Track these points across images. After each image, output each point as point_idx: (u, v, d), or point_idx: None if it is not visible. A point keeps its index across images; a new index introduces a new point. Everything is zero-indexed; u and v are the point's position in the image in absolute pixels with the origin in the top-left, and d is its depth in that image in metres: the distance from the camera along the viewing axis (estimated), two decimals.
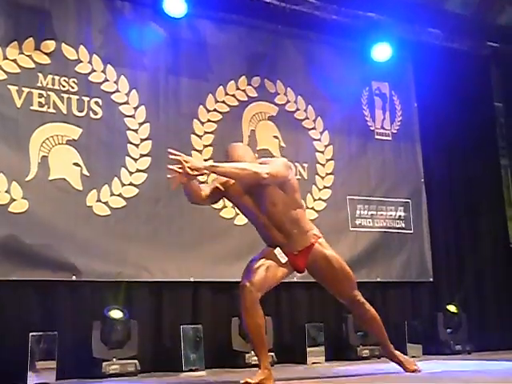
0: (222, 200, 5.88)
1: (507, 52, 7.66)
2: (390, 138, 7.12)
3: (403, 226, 6.96)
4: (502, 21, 8.00)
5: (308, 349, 5.85)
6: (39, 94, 5.37)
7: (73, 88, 5.53)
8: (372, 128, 7.04)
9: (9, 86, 5.26)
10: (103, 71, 5.70)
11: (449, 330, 6.61)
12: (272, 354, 5.34)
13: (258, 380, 3.63)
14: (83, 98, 5.56)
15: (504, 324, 7.22)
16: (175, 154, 3.84)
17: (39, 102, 5.36)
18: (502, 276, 7.44)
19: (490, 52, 7.65)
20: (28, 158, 5.25)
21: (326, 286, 4.25)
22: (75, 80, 5.55)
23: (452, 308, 6.71)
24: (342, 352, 6.13)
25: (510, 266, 7.53)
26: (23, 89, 5.32)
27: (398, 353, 4.26)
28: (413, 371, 4.12)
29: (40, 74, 5.41)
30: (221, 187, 4.12)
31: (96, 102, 5.61)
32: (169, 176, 3.84)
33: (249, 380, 3.61)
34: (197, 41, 6.20)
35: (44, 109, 5.38)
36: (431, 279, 6.99)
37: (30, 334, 4.74)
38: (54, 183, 5.32)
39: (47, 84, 5.42)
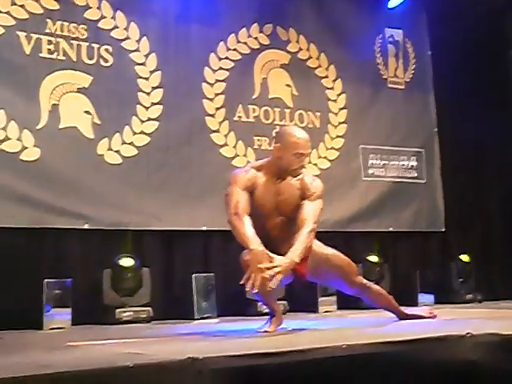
0: (233, 149, 5.99)
1: None
2: (403, 87, 7.02)
3: (416, 175, 6.92)
4: None
5: (320, 298, 5.87)
6: (48, 40, 5.30)
7: (82, 35, 5.46)
8: (385, 76, 6.94)
9: (17, 32, 5.19)
10: (113, 17, 5.61)
11: (460, 279, 6.62)
12: (284, 302, 5.36)
13: (275, 327, 3.63)
14: (93, 45, 5.48)
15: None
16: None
17: (48, 49, 5.30)
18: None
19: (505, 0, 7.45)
20: (38, 106, 5.21)
21: (332, 285, 4.18)
22: (84, 26, 5.47)
23: (464, 257, 6.70)
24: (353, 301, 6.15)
25: None
26: (32, 35, 5.24)
27: (411, 311, 4.23)
28: (430, 317, 4.13)
29: (49, 20, 5.33)
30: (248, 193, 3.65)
31: (106, 50, 5.54)
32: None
33: (267, 329, 3.60)
34: None
35: (53, 56, 5.31)
36: (443, 229, 6.97)
37: (45, 280, 4.78)
38: (65, 131, 5.29)
39: (56, 30, 5.34)
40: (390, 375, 2.55)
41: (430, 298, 6.37)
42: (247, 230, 3.49)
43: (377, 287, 4.15)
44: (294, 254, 3.41)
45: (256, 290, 3.38)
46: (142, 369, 2.18)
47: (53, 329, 4.67)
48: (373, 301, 4.14)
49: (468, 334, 2.78)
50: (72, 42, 5.41)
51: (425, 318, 4.11)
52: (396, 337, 2.78)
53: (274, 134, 3.88)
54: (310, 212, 3.61)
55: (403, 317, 4.11)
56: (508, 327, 3.03)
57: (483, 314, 4.72)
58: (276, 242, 3.64)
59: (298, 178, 3.70)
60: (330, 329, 3.84)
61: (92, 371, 2.15)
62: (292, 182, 3.72)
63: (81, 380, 2.10)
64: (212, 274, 5.53)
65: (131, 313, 5.01)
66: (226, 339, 3.32)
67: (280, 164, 3.63)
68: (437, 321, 4.04)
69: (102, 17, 5.57)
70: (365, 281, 4.03)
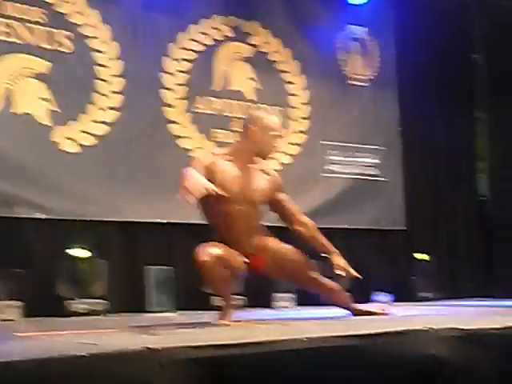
0: (192, 141, 5.89)
1: (487, 0, 7.55)
2: (367, 85, 7.00)
3: (378, 173, 6.91)
4: None
5: (278, 294, 5.82)
6: (5, 23, 5.14)
7: (42, 19, 5.30)
8: (348, 73, 6.92)
9: None
10: (74, 3, 5.46)
11: (419, 278, 6.64)
12: (242, 297, 5.30)
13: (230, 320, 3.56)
14: (51, 29, 5.34)
15: (473, 273, 7.30)
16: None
17: (5, 32, 5.14)
18: (473, 227, 7.48)
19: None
20: None
21: (289, 280, 4.20)
22: (44, 11, 5.32)
23: (423, 256, 6.73)
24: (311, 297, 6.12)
25: (481, 218, 7.58)
26: None
27: (364, 307, 4.20)
28: (384, 314, 4.11)
29: (6, 2, 5.16)
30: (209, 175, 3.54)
31: (65, 35, 5.40)
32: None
33: (224, 322, 3.53)
34: None
35: (10, 39, 5.15)
36: (405, 227, 6.99)
37: None
38: (20, 117, 5.13)
39: (13, 13, 5.17)
40: (351, 369, 2.50)
41: (388, 296, 6.38)
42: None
43: (332, 283, 4.11)
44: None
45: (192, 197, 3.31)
46: (96, 359, 2.08)
47: (2, 320, 4.52)
48: (328, 297, 4.11)
49: (429, 328, 2.75)
50: (30, 25, 5.26)
51: (377, 314, 4.08)
52: (357, 330, 2.74)
53: (245, 121, 3.80)
54: (295, 206, 3.85)
55: (357, 313, 4.08)
56: (468, 322, 3.02)
57: (442, 311, 4.73)
58: (238, 230, 3.64)
59: (263, 167, 3.73)
60: (288, 322, 3.78)
61: (38, 361, 2.03)
62: (260, 170, 3.74)
63: (26, 370, 1.99)
64: (171, 268, 5.44)
65: (86, 305, 4.90)
66: (184, 331, 3.24)
67: (256, 147, 3.65)
68: (396, 317, 4.02)
69: (63, 2, 5.42)
70: (320, 277, 3.99)
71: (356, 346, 2.56)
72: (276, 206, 3.88)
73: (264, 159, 3.76)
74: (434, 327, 2.75)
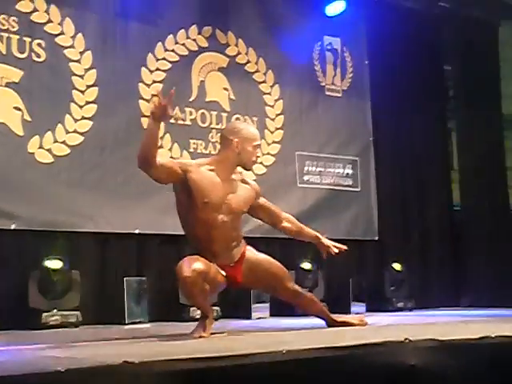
0: (169, 151, 5.86)
1: (457, 13, 7.65)
2: (340, 95, 7.05)
3: (351, 183, 6.95)
4: None
5: (253, 305, 5.81)
6: None
7: (13, 27, 5.25)
8: (323, 84, 6.96)
9: None
10: (46, 11, 5.42)
11: (392, 288, 6.69)
12: (217, 308, 5.28)
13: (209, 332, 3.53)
14: (24, 38, 5.28)
15: (445, 283, 7.37)
16: None
17: None
18: (445, 236, 7.56)
19: (441, 12, 7.63)
20: None
21: (266, 290, 4.23)
22: (15, 19, 5.26)
23: (396, 266, 6.77)
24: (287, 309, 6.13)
25: (452, 228, 7.66)
26: None
27: (341, 317, 4.19)
28: (361, 325, 4.11)
29: None
30: (180, 173, 3.57)
31: (39, 44, 5.35)
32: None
33: (203, 334, 3.50)
34: None
35: None
36: (376, 238, 7.03)
37: None
38: None
39: None
40: (330, 380, 2.50)
41: (363, 306, 6.41)
42: None
43: (309, 294, 4.12)
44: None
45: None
46: (75, 374, 2.05)
47: None
48: (304, 307, 4.11)
49: (406, 339, 2.76)
50: (2, 34, 5.20)
51: (355, 325, 4.09)
52: (334, 342, 2.74)
53: (224, 132, 3.82)
54: (275, 207, 4.02)
55: (334, 324, 4.08)
56: (444, 333, 3.04)
57: (416, 321, 4.76)
58: (218, 241, 3.64)
59: (242, 177, 3.79)
60: (265, 334, 3.77)
61: (17, 377, 2.00)
62: (240, 180, 3.77)
63: None
64: (144, 278, 5.41)
65: (59, 317, 4.83)
66: (161, 343, 3.21)
67: (238, 158, 3.68)
68: (373, 327, 4.03)
69: (35, 9, 5.37)
70: (297, 287, 3.99)
71: (334, 358, 2.56)
72: (258, 211, 3.93)
73: (246, 170, 3.81)
74: (411, 338, 2.76)
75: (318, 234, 4.06)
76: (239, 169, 3.81)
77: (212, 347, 2.82)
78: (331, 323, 4.04)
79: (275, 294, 4.11)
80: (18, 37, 5.24)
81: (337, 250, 4.03)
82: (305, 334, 3.64)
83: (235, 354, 2.36)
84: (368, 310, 6.38)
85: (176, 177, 3.58)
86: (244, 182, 3.83)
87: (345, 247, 4.07)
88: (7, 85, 5.17)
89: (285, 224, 4.01)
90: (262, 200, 3.94)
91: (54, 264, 4.96)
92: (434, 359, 2.75)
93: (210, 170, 3.66)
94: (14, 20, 5.25)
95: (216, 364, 2.29)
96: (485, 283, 7.28)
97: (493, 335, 2.89)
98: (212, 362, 2.29)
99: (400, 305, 6.58)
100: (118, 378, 2.10)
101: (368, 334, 3.42)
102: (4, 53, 5.18)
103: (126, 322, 5.16)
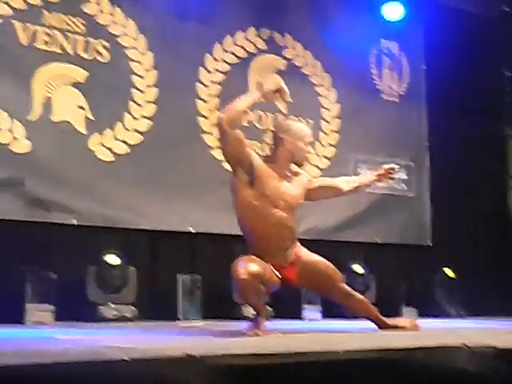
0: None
1: None
2: (396, 99, 7.04)
3: (405, 188, 6.92)
4: None
5: (304, 305, 5.84)
6: (45, 32, 5.24)
7: (79, 29, 5.40)
8: (379, 88, 6.96)
9: (14, 22, 5.13)
10: (111, 13, 5.57)
11: (444, 293, 6.63)
12: (269, 308, 5.32)
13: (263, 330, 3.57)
14: (90, 39, 5.44)
15: (497, 290, 7.25)
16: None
17: (44, 41, 5.24)
18: (499, 243, 7.45)
19: (501, 16, 7.53)
20: (31, 98, 5.15)
21: (319, 291, 4.23)
22: (82, 20, 5.42)
23: (448, 272, 6.71)
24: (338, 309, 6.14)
25: (506, 235, 7.54)
26: (28, 25, 5.19)
27: (393, 321, 4.17)
28: (413, 329, 4.09)
29: (46, 12, 5.27)
30: (249, 153, 3.62)
31: (103, 45, 5.49)
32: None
33: (258, 332, 3.54)
34: None
35: (49, 48, 5.26)
36: (430, 243, 6.98)
37: (27, 273, 4.70)
38: (58, 125, 5.23)
39: (53, 23, 5.28)
40: (386, 383, 2.52)
41: (414, 310, 6.37)
42: None
43: (360, 296, 4.11)
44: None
45: None
46: (137, 363, 2.12)
47: (34, 323, 4.59)
48: (355, 309, 4.10)
49: (464, 345, 2.76)
50: (69, 35, 5.36)
51: (407, 329, 4.06)
52: (391, 344, 2.76)
53: (275, 130, 3.85)
54: (330, 180, 4.13)
55: (386, 327, 4.07)
56: (501, 340, 3.02)
57: (470, 327, 4.72)
58: (276, 240, 3.67)
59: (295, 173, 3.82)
60: (319, 334, 3.80)
61: (84, 364, 2.07)
62: (294, 176, 3.81)
63: (73, 372, 2.03)
64: (198, 276, 5.48)
65: (115, 311, 4.95)
66: (218, 339, 3.27)
67: (291, 155, 3.72)
68: (428, 331, 4.02)
69: (100, 11, 5.52)
70: (349, 289, 4.00)
71: (391, 360, 2.58)
72: (317, 193, 3.98)
73: (299, 166, 3.83)
74: (468, 344, 2.76)
75: (374, 175, 4.18)
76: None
77: (269, 345, 2.87)
78: (383, 326, 4.04)
79: (328, 295, 4.11)
80: (84, 38, 5.40)
81: (395, 170, 4.19)
82: (359, 335, 3.65)
83: (294, 351, 2.41)
84: (419, 315, 6.34)
85: (243, 154, 3.60)
86: (295, 174, 3.85)
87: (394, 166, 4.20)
88: (73, 84, 5.33)
89: (347, 188, 4.07)
90: (315, 182, 3.99)
91: (112, 259, 5.08)
92: (492, 366, 2.74)
93: (269, 167, 3.69)
94: (80, 22, 5.41)
95: (274, 361, 2.34)
96: None
97: None
98: (270, 359, 2.33)
99: (452, 311, 6.52)
100: (180, 369, 2.16)
101: (424, 338, 3.42)
102: (71, 53, 5.34)
103: (180, 318, 5.25)
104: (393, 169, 4.16)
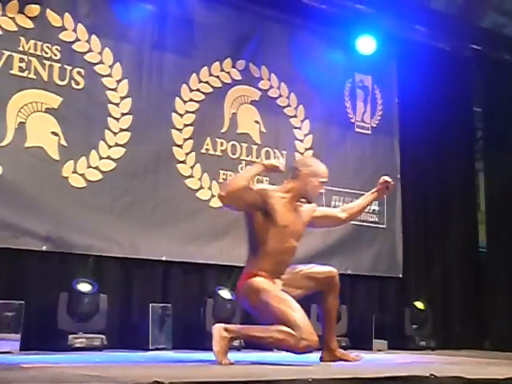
0: (198, 181, 5.95)
1: (489, 56, 7.72)
2: (369, 132, 7.13)
3: (376, 220, 6.98)
4: (485, 24, 8.11)
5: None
6: (20, 58, 5.24)
7: (55, 55, 5.41)
8: (352, 120, 7.04)
9: None
10: (87, 41, 5.58)
11: (414, 326, 6.66)
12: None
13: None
14: (65, 66, 5.44)
15: (468, 323, 7.32)
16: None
17: (19, 67, 5.23)
18: (469, 276, 7.53)
19: (472, 54, 7.70)
20: (4, 123, 5.12)
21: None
22: (58, 47, 5.43)
23: (419, 304, 6.75)
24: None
25: (477, 269, 7.62)
26: (4, 51, 5.18)
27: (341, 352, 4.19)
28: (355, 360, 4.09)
29: (22, 38, 5.27)
30: (260, 198, 3.85)
31: (78, 72, 5.50)
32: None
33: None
34: (184, 18, 6.12)
35: (24, 74, 5.25)
36: (400, 275, 7.03)
37: None
38: (30, 151, 5.21)
39: (29, 49, 5.29)
40: None
41: (384, 342, 6.39)
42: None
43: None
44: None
45: None
46: None
47: (1, 353, 4.50)
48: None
49: (431, 375, 2.78)
50: (44, 61, 5.36)
51: (350, 360, 4.04)
52: (360, 374, 2.77)
53: (297, 163, 4.18)
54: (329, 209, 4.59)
55: (333, 357, 4.04)
56: (469, 372, 3.05)
57: (439, 359, 4.74)
58: (284, 266, 3.93)
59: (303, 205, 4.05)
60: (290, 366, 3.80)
61: None
62: (302, 208, 4.04)
63: None
64: (169, 305, 5.45)
65: (84, 339, 4.88)
66: (186, 367, 3.26)
67: (304, 189, 3.96)
68: (397, 363, 4.04)
69: (77, 39, 5.54)
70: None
71: None
72: (320, 222, 4.23)
73: (309, 202, 4.05)
74: (437, 374, 2.78)
75: (371, 193, 4.33)
76: None
77: (231, 373, 2.86)
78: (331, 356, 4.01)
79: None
80: (59, 65, 5.40)
81: (389, 180, 4.31)
82: (325, 365, 3.66)
83: (256, 379, 2.40)
84: (389, 348, 6.36)
85: (254, 205, 3.83)
86: (303, 202, 4.07)
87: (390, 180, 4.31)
88: (46, 110, 5.32)
89: (346, 215, 4.25)
90: (317, 211, 4.17)
91: (83, 287, 5.03)
92: None
93: (282, 198, 3.91)
94: (56, 49, 5.41)
95: None
96: (506, 326, 7.23)
97: None
98: None
99: (422, 343, 6.54)
100: None
101: (393, 368, 3.44)
102: (46, 80, 5.33)
103: (150, 347, 5.20)
104: (388, 181, 4.29)
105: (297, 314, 3.68)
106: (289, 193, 3.94)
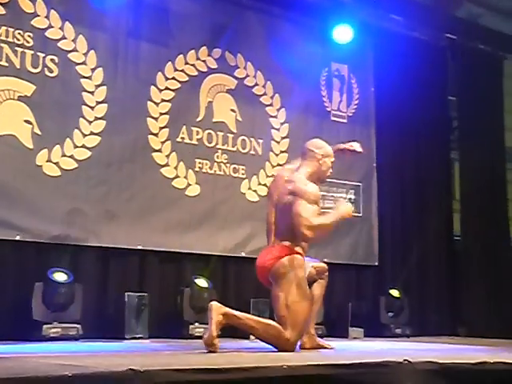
0: (174, 169, 5.93)
1: (464, 45, 7.77)
2: (345, 121, 7.14)
3: (353, 208, 6.98)
4: (460, 14, 8.17)
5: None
6: None
7: (28, 42, 5.33)
8: (329, 109, 7.05)
9: None
10: (61, 28, 5.51)
11: (390, 314, 6.71)
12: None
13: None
14: (38, 53, 5.37)
15: (443, 311, 7.40)
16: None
17: None
18: (444, 265, 7.60)
19: (448, 44, 7.75)
20: None
21: None
22: (31, 34, 5.35)
23: (394, 292, 6.79)
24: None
25: (451, 257, 7.69)
26: None
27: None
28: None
29: None
30: None
31: (52, 60, 5.43)
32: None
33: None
34: (160, 6, 6.06)
35: None
36: (376, 263, 7.08)
37: None
38: (3, 139, 5.13)
39: (0, 35, 5.20)
40: None
41: (361, 330, 6.43)
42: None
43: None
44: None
45: None
46: (82, 380, 2.09)
47: None
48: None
49: (405, 360, 2.81)
50: (16, 48, 5.28)
51: (326, 348, 4.23)
52: (336, 360, 2.78)
53: (309, 145, 4.35)
54: None
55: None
56: (442, 357, 3.08)
57: (414, 346, 4.79)
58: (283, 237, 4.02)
59: None
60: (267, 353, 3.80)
61: (28, 379, 2.05)
62: None
63: None
64: (145, 294, 5.43)
65: (59, 329, 4.85)
66: (165, 355, 3.25)
67: (321, 171, 4.21)
68: (372, 349, 4.07)
69: (50, 26, 5.46)
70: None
71: (335, 376, 2.61)
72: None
73: (322, 182, 4.27)
74: (411, 360, 2.80)
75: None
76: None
77: (214, 360, 2.86)
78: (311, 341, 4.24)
79: None
80: (32, 52, 5.33)
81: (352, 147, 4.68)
82: (300, 353, 3.67)
83: (236, 367, 2.41)
84: (366, 336, 6.40)
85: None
86: None
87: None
88: (19, 98, 5.24)
89: None
90: None
91: (59, 276, 4.98)
92: (432, 382, 2.79)
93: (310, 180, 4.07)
94: (29, 35, 5.33)
95: (218, 376, 2.34)
96: (480, 313, 7.32)
97: (491, 361, 2.93)
98: (212, 374, 2.33)
99: (398, 331, 6.60)
100: None
101: (368, 354, 3.46)
102: (18, 67, 5.25)
103: (126, 336, 5.18)
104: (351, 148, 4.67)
105: (305, 315, 3.87)
106: (312, 176, 4.10)
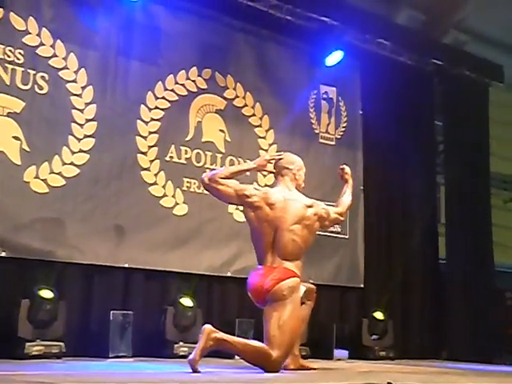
0: (162, 188, 5.94)
1: (450, 71, 7.87)
2: (333, 143, 7.20)
3: (339, 230, 7.03)
4: (447, 40, 8.30)
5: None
6: None
7: (18, 59, 5.36)
8: (317, 131, 7.11)
9: None
10: (52, 46, 5.54)
11: (374, 336, 6.72)
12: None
13: None
14: (29, 70, 5.39)
15: (427, 334, 7.42)
16: None
17: None
18: (429, 288, 7.63)
19: (434, 69, 7.84)
20: None
21: None
22: (21, 51, 5.38)
23: (378, 315, 6.81)
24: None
25: (436, 281, 7.73)
26: None
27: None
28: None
29: None
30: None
31: (42, 77, 5.45)
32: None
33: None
34: (151, 26, 6.12)
35: None
36: (362, 285, 7.10)
37: None
38: None
39: None
40: None
41: (345, 352, 6.44)
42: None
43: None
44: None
45: None
46: None
47: None
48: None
49: (388, 383, 2.82)
50: (7, 65, 5.30)
51: (310, 369, 4.24)
52: (317, 382, 2.80)
53: (282, 162, 4.62)
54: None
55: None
56: (425, 380, 3.10)
57: (398, 369, 4.80)
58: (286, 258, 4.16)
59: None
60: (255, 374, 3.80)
61: None
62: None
63: None
64: (130, 312, 5.41)
65: (42, 347, 4.80)
66: (145, 374, 3.24)
67: (298, 185, 4.55)
68: (355, 372, 4.08)
69: (41, 44, 5.50)
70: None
71: None
72: None
73: (299, 190, 4.57)
74: (394, 383, 2.82)
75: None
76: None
77: (192, 380, 2.87)
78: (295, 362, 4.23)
79: None
80: (22, 69, 5.35)
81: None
82: (284, 374, 3.67)
83: None
84: (350, 357, 6.41)
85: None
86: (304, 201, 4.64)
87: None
88: (8, 114, 5.26)
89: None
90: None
91: (45, 293, 4.93)
92: None
93: (279, 192, 4.40)
94: (19, 52, 5.36)
95: None
96: (464, 336, 7.35)
97: None
98: None
99: (382, 353, 6.61)
100: None
101: (352, 376, 3.47)
102: (8, 83, 5.27)
103: (109, 355, 5.15)
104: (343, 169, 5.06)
105: (295, 336, 4.00)
106: (282, 187, 4.46)
